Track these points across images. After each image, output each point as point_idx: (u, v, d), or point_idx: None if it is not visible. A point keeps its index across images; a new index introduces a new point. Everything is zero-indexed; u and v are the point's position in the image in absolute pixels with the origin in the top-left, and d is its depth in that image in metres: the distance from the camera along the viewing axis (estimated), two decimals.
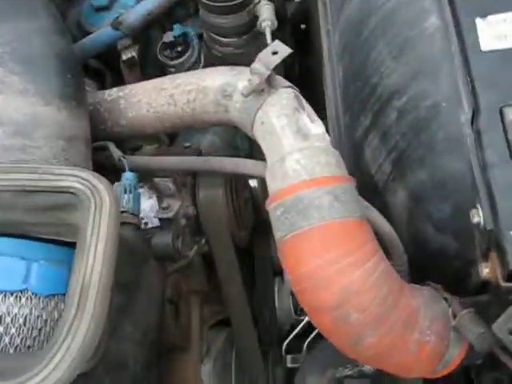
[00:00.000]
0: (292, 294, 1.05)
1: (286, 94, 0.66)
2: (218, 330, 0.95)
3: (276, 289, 1.09)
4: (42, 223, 0.54)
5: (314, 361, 0.84)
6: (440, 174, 0.68)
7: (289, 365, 1.03)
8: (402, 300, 0.60)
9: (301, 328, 1.05)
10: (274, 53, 0.64)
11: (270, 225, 0.90)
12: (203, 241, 0.82)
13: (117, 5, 0.92)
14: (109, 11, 0.92)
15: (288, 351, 1.05)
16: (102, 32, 0.89)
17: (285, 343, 1.05)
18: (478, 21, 0.66)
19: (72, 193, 0.51)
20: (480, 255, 0.62)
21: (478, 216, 0.60)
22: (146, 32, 0.93)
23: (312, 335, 1.01)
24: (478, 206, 0.60)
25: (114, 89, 0.79)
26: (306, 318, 1.04)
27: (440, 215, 0.69)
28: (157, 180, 0.78)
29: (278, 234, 0.62)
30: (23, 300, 0.53)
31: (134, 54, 0.86)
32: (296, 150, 0.62)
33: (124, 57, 0.86)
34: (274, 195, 0.62)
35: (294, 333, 1.05)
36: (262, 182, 0.90)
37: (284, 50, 0.64)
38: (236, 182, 0.85)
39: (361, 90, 0.80)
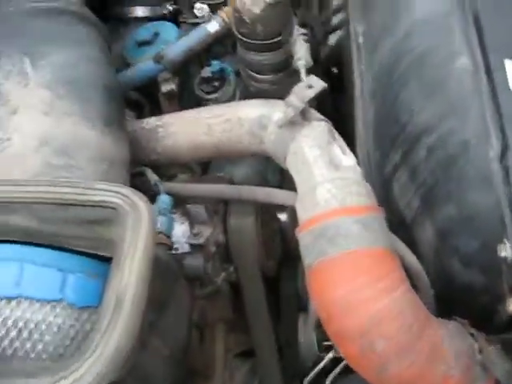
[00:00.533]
0: (316, 329, 1.05)
1: (319, 127, 0.68)
2: (243, 360, 0.95)
3: (300, 325, 1.09)
4: (80, 236, 0.56)
5: None
6: (468, 209, 0.69)
7: None
8: (427, 331, 0.61)
9: (323, 365, 1.05)
10: (309, 86, 0.66)
11: (296, 258, 0.91)
12: (231, 269, 0.84)
13: (159, 40, 0.97)
14: (150, 46, 0.97)
15: None
16: (143, 65, 0.94)
17: (307, 379, 1.05)
18: (507, 61, 0.69)
19: (112, 207, 0.54)
20: (508, 290, 0.62)
21: (506, 251, 0.61)
22: (185, 67, 0.98)
23: (334, 372, 1.01)
24: (506, 240, 0.61)
25: (153, 118, 0.83)
26: (329, 355, 1.04)
27: (467, 250, 0.70)
28: (189, 206, 0.81)
29: (306, 261, 0.63)
30: (58, 309, 0.55)
31: (174, 86, 0.90)
32: (327, 180, 0.64)
33: (163, 89, 0.90)
34: (304, 224, 0.64)
35: (317, 369, 1.04)
36: (291, 215, 0.93)
37: (318, 85, 0.67)
38: (265, 213, 0.87)
39: (391, 128, 0.82)
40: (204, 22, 0.96)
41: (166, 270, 0.63)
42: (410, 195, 0.78)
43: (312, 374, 1.05)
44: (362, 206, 0.63)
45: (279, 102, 0.72)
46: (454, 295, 0.72)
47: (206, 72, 0.97)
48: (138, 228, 0.52)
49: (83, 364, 0.45)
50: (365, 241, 0.60)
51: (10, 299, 0.54)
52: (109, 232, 0.55)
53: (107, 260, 0.56)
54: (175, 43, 0.94)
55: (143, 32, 0.99)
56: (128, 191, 0.55)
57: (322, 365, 1.06)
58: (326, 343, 1.08)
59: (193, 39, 0.93)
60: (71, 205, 0.55)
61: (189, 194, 0.79)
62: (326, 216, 0.62)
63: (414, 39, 0.79)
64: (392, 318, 0.59)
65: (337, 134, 0.70)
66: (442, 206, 0.72)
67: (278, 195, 0.75)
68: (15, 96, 0.71)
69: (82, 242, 0.57)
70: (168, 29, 1.00)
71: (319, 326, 1.12)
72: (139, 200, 0.54)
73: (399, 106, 0.80)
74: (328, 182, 0.64)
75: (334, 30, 1.11)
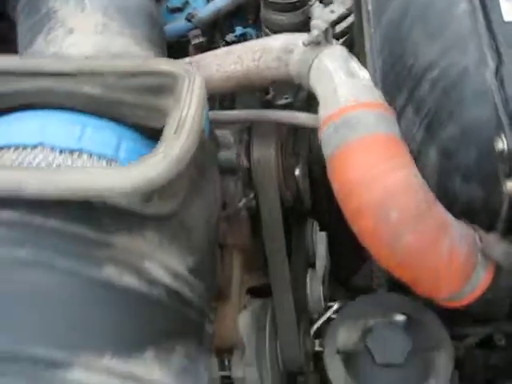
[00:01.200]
0: (322, 284, 1.12)
1: (339, 47, 0.79)
2: (253, 298, 1.01)
3: (308, 280, 1.15)
4: (138, 105, 0.64)
5: (346, 313, 0.90)
6: (468, 125, 0.78)
7: (317, 348, 1.08)
8: (436, 208, 0.69)
9: (329, 315, 1.10)
10: (331, 11, 0.77)
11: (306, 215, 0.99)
12: (252, 195, 0.91)
13: (189, 7, 1.09)
14: (181, 13, 1.09)
15: (317, 336, 1.09)
16: (175, 24, 1.05)
17: (314, 327, 1.10)
18: (502, 1, 0.80)
19: (171, 75, 0.62)
20: (504, 176, 0.70)
21: (502, 142, 0.70)
22: (212, 31, 1.09)
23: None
24: (502, 134, 0.70)
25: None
26: (336, 305, 1.10)
27: (467, 164, 0.79)
28: (217, 133, 0.89)
29: (327, 152, 0.72)
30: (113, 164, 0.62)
31: (203, 40, 1.01)
32: (346, 82, 0.74)
33: (193, 42, 1.01)
34: (324, 120, 0.73)
35: (325, 317, 1.10)
36: (303, 170, 1.01)
37: (340, 10, 0.78)
38: (286, 147, 0.95)
39: (398, 74, 0.93)
40: None
41: (207, 141, 0.69)
42: (414, 129, 0.88)
43: (319, 323, 1.11)
44: (379, 103, 0.72)
45: (304, 34, 0.82)
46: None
47: (230, 37, 1.08)
48: (192, 90, 0.60)
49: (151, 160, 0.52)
50: (382, 127, 0.69)
51: (72, 152, 0.62)
52: (164, 102, 0.63)
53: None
54: (206, 6, 1.06)
55: (175, 0, 1.11)
56: (186, 65, 0.64)
57: (328, 315, 1.12)
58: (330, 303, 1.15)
59: (221, 2, 1.05)
60: (134, 75, 0.64)
61: (222, 119, 0.88)
62: (345, 110, 0.71)
63: None
64: (405, 191, 0.67)
65: (354, 56, 0.80)
66: (445, 129, 0.82)
67: (300, 117, 0.84)
68: (72, 19, 0.81)
69: (139, 111, 0.65)
70: None
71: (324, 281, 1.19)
72: (196, 73, 0.62)
73: (405, 52, 0.91)
74: (347, 84, 0.73)
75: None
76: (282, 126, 0.94)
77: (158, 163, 0.51)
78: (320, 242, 1.13)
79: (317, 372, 1.09)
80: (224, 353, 0.94)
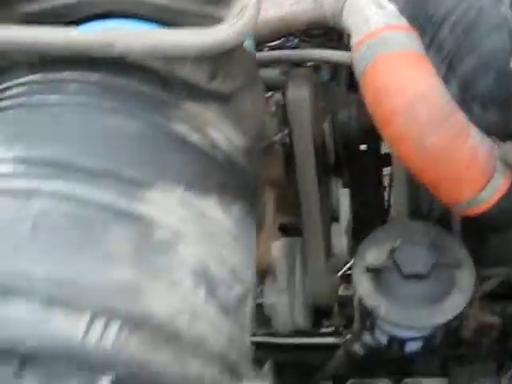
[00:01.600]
0: (346, 235, 1.19)
1: None
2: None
3: (333, 233, 1.22)
4: (198, 14, 0.73)
5: (374, 236, 0.97)
6: (485, 54, 0.87)
7: (340, 293, 1.14)
8: (458, 113, 0.77)
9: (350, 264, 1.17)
10: None
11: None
12: (286, 131, 1.00)
13: None
14: None
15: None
16: None
17: (338, 274, 1.17)
18: None
19: None
20: None
21: None
22: None
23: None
24: None
25: None
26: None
27: (484, 89, 0.87)
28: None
29: (361, 67, 0.80)
30: None
31: None
32: (377, 13, 0.83)
33: None
34: (357, 44, 0.82)
35: (347, 265, 1.17)
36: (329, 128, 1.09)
37: None
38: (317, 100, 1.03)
39: (421, 26, 1.02)
40: None
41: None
42: (436, 70, 0.97)
43: (345, 268, 1.18)
44: (407, 27, 0.81)
45: None
46: None
47: None
48: None
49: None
50: (410, 45, 0.78)
51: None
52: (222, 12, 0.72)
53: None
54: None
55: None
56: None
57: (349, 264, 1.19)
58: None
59: None
60: None
61: (264, 59, 0.97)
62: (376, 32, 0.80)
63: None
64: (432, 95, 0.75)
65: None
66: (463, 63, 0.90)
67: (334, 54, 0.93)
68: None
69: (202, 21, 0.73)
70: None
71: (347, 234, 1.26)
72: None
73: (426, 4, 1.00)
74: (377, 13, 0.83)
75: None
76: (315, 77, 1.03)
77: (228, 29, 0.60)
78: (343, 197, 1.20)
79: (342, 316, 1.16)
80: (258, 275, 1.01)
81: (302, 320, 1.07)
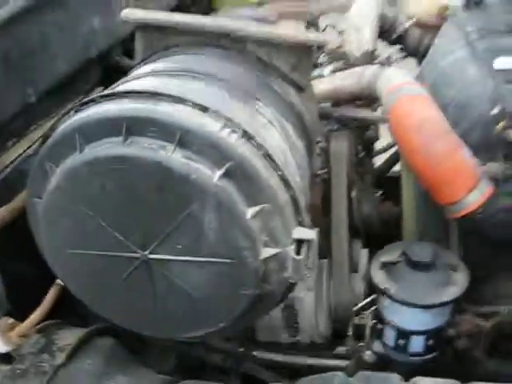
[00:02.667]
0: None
1: (395, 68, 1.29)
2: None
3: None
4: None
5: (386, 247, 1.22)
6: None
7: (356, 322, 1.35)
8: (453, 133, 1.10)
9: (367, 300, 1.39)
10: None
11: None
12: (326, 170, 1.32)
13: None
14: None
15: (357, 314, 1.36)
16: None
17: (358, 305, 1.38)
18: None
19: None
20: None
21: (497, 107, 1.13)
22: None
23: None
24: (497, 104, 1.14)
25: None
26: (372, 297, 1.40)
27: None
28: None
29: (388, 106, 1.16)
30: None
31: None
32: (399, 78, 1.21)
33: None
34: (385, 95, 1.18)
35: (366, 301, 1.39)
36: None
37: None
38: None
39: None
40: None
41: None
42: None
43: (362, 304, 1.39)
44: (418, 84, 1.19)
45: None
46: None
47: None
48: None
49: None
50: (422, 92, 1.15)
51: None
52: None
53: None
54: None
55: None
56: None
57: (366, 300, 1.41)
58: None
59: None
60: None
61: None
62: (397, 85, 1.18)
63: None
64: (435, 118, 1.10)
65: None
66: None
67: (370, 114, 1.31)
68: None
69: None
70: None
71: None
72: None
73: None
74: (399, 78, 1.21)
75: None
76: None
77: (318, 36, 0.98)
78: (363, 255, 1.46)
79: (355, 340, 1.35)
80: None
81: (323, 326, 1.27)
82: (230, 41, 0.98)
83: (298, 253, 0.81)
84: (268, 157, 0.78)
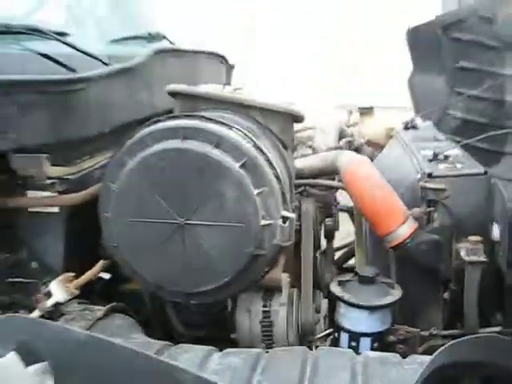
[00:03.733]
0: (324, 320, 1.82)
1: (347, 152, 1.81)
2: None
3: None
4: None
5: (341, 275, 1.63)
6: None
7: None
8: (389, 186, 1.58)
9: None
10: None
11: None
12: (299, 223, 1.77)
13: None
14: None
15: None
16: None
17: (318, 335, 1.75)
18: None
19: None
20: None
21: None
22: None
23: None
24: None
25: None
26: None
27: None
28: None
29: (342, 173, 1.65)
30: None
31: None
32: (352, 156, 1.72)
33: None
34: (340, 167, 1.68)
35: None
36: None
37: None
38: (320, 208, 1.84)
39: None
40: None
41: None
42: None
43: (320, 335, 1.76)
44: (366, 160, 1.70)
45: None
46: None
47: None
48: None
49: None
50: (364, 160, 1.66)
51: None
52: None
53: None
54: None
55: None
56: None
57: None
58: None
59: None
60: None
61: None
62: (354, 156, 1.68)
63: None
64: (376, 177, 1.58)
65: None
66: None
67: (333, 182, 1.79)
68: None
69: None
70: None
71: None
72: None
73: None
74: (351, 157, 1.72)
75: None
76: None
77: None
78: (324, 303, 1.87)
79: None
80: (268, 292, 1.61)
81: (292, 337, 1.62)
82: (239, 107, 1.48)
83: (283, 224, 1.24)
84: (268, 160, 1.24)
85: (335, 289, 1.57)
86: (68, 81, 1.33)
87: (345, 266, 2.43)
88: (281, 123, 1.51)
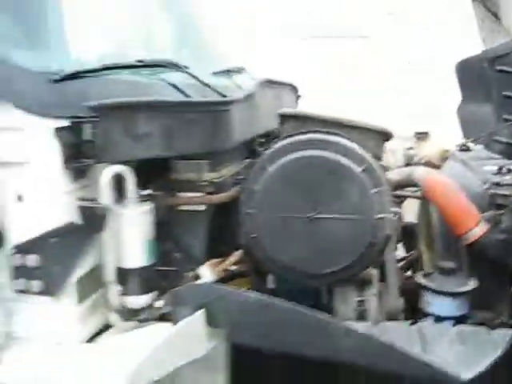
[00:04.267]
0: None
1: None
2: None
3: None
4: None
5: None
6: None
7: None
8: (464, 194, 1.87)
9: None
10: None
11: None
12: None
13: None
14: None
15: None
16: None
17: None
18: None
19: None
20: None
21: None
22: None
23: None
24: None
25: None
26: None
27: None
28: None
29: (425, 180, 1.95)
30: None
31: None
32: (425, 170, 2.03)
33: None
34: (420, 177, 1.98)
35: None
36: None
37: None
38: None
39: None
40: None
41: None
42: None
43: None
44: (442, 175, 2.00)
45: None
46: None
47: None
48: None
49: None
50: (442, 177, 1.96)
51: None
52: None
53: None
54: None
55: None
56: None
57: None
58: None
59: None
60: None
61: None
62: (430, 170, 1.99)
63: None
64: (453, 186, 1.88)
65: None
66: None
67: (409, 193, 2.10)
68: None
69: None
70: None
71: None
72: None
73: None
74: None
75: None
76: None
77: None
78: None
79: None
80: (361, 285, 1.90)
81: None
82: (341, 127, 1.79)
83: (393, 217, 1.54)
84: (381, 167, 1.56)
85: (421, 280, 1.86)
86: (220, 103, 1.65)
87: None
88: (375, 140, 1.82)
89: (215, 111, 1.60)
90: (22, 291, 1.48)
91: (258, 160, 1.59)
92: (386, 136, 1.83)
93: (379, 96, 6.50)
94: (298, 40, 7.08)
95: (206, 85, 1.93)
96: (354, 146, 1.56)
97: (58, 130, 1.41)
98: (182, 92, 1.80)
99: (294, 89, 2.85)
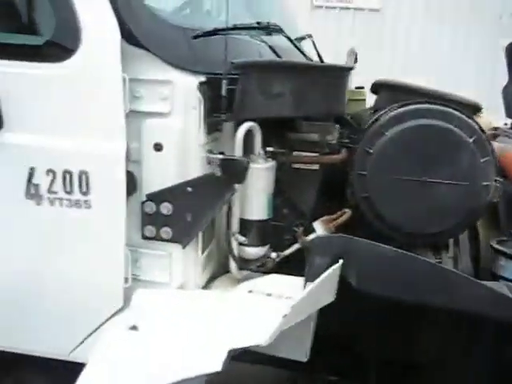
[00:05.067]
0: None
1: None
2: None
3: None
4: None
5: None
6: None
7: None
8: None
9: None
10: None
11: None
12: None
13: None
14: None
15: None
16: None
17: None
18: None
19: None
20: None
21: None
22: None
23: None
24: None
25: None
26: None
27: None
28: None
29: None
30: None
31: None
32: None
33: None
34: None
35: None
36: None
37: None
38: None
39: None
40: None
41: None
42: None
43: None
44: None
45: None
46: None
47: None
48: None
49: None
50: None
51: None
52: None
53: None
54: None
55: None
56: None
57: None
58: None
59: None
60: None
61: None
62: None
63: None
64: None
65: None
66: None
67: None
68: None
69: None
70: None
71: None
72: None
73: None
74: None
75: None
76: None
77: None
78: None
79: None
80: (437, 249, 2.03)
81: None
82: (436, 98, 1.89)
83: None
84: (487, 138, 1.68)
85: (497, 246, 2.00)
86: (344, 68, 1.75)
87: None
88: (468, 113, 1.94)
89: (339, 76, 1.70)
90: (149, 238, 1.57)
91: (374, 125, 1.69)
92: (476, 109, 1.95)
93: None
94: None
95: (301, 51, 2.01)
96: (466, 117, 1.67)
97: (201, 84, 1.49)
98: (277, 55, 1.89)
99: None
